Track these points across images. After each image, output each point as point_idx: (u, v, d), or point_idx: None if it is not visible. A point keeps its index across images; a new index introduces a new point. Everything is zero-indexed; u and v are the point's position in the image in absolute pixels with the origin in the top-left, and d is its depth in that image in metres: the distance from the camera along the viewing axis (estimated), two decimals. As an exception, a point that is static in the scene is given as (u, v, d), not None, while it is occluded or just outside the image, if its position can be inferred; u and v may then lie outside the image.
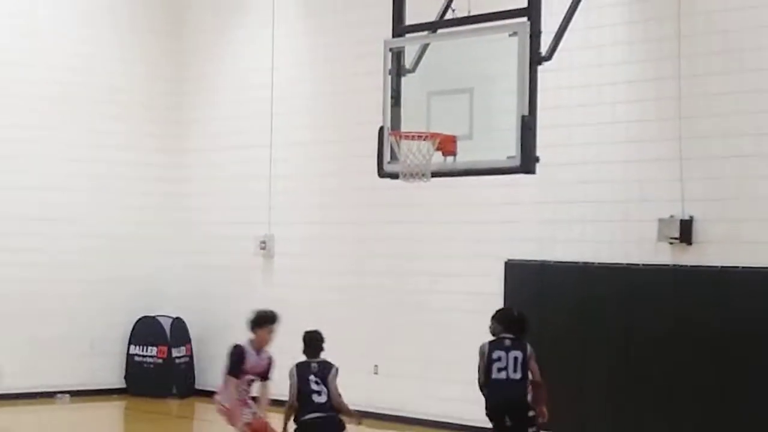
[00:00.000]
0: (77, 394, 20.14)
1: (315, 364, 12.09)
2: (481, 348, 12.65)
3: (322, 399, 11.91)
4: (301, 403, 11.94)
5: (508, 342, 12.64)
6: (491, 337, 12.75)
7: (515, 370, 12.52)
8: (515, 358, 12.53)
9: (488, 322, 12.92)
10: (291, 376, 12.03)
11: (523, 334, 12.80)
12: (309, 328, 12.40)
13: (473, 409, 12.42)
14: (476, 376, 12.68)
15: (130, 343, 21.05)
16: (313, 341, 12.27)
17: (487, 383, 12.58)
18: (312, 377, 11.96)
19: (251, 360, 12.22)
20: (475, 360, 12.68)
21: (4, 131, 19.80)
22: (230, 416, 12.27)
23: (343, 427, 12.01)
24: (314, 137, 19.46)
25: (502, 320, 12.88)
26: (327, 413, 11.91)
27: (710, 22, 14.68)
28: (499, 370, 12.50)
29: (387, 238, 17.96)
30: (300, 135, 19.63)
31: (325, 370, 12.06)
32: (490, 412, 12.61)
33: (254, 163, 20.20)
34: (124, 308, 20.89)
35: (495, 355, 12.55)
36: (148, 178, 21.36)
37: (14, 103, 19.96)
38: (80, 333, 20.41)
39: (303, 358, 12.15)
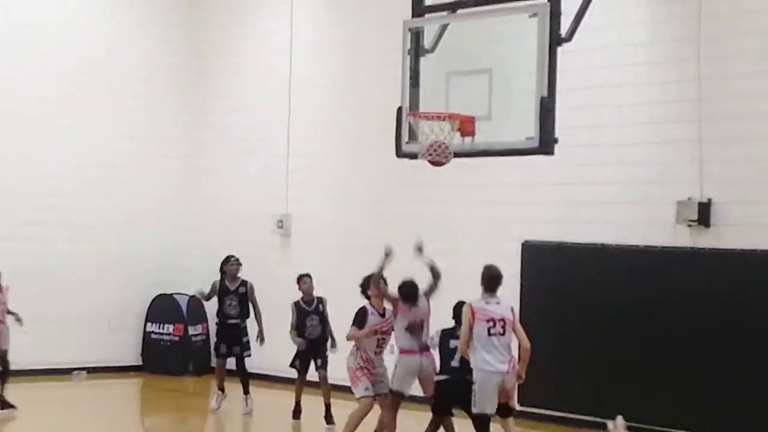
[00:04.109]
0: (94, 371, 20.22)
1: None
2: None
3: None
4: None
5: None
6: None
7: None
8: None
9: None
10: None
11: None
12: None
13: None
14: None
15: (146, 321, 21.14)
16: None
17: None
18: None
19: (373, 320, 13.51)
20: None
21: (33, 108, 19.94)
22: (351, 379, 13.63)
23: None
24: (332, 117, 19.46)
25: None
26: None
27: (732, 3, 14.60)
28: None
29: (405, 217, 17.93)
30: (318, 115, 19.63)
31: None
32: None
33: (272, 142, 20.22)
34: (141, 286, 20.97)
35: None
36: (167, 155, 21.41)
37: (47, 85, 20.13)
38: (97, 310, 20.50)
39: None
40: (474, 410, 11.92)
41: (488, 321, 11.72)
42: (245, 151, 20.81)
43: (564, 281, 15.90)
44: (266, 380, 18.34)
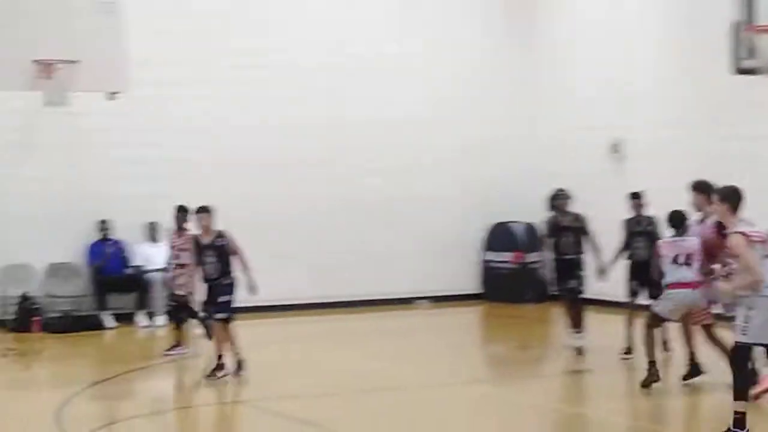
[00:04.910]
0: (436, 300, 20.67)
1: None
2: None
3: None
4: None
5: None
6: None
7: None
8: None
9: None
10: None
11: None
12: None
13: None
14: None
15: (486, 250, 21.43)
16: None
17: None
18: None
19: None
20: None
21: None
22: None
23: None
24: (666, 38, 19.07)
25: None
26: None
27: None
28: None
29: (744, 137, 17.41)
30: (652, 36, 19.30)
31: None
32: None
33: (606, 66, 20.03)
34: (479, 215, 21.26)
35: None
36: (500, 84, 21.63)
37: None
38: (436, 240, 20.96)
39: None
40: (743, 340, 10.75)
41: (763, 243, 10.44)
42: (577, 78, 20.71)
43: None
44: (604, 306, 18.11)
